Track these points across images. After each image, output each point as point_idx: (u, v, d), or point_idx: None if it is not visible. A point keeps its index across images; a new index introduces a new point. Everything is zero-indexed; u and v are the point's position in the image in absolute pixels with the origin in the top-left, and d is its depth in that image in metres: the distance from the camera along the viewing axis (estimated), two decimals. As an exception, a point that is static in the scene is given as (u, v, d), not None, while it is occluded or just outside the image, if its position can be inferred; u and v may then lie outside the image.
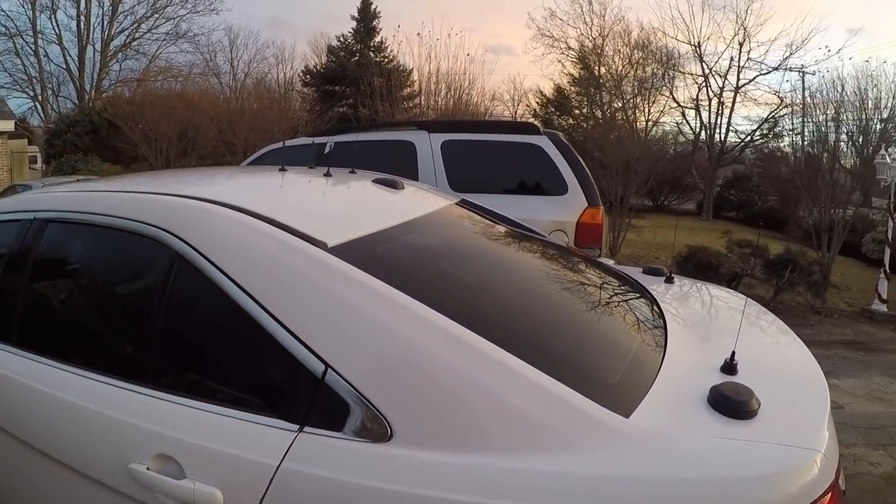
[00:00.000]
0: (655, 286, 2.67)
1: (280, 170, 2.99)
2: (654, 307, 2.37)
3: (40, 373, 2.11)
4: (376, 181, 2.74)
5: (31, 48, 31.47)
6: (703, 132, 23.84)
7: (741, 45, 23.05)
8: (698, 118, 23.90)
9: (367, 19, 28.24)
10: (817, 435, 1.51)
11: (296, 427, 1.57)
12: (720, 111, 23.53)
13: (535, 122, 25.29)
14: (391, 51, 26.84)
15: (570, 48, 26.16)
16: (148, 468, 1.69)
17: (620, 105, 23.39)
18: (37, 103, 32.46)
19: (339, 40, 28.61)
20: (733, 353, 1.76)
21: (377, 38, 28.25)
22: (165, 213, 2.03)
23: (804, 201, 12.03)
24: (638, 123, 23.10)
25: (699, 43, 23.43)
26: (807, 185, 11.46)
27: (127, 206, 2.18)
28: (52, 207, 2.45)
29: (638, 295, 2.53)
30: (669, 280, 2.79)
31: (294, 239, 1.81)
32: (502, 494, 1.37)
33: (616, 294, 2.61)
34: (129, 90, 29.62)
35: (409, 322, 1.61)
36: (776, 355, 2.13)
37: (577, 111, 25.50)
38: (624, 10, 31.13)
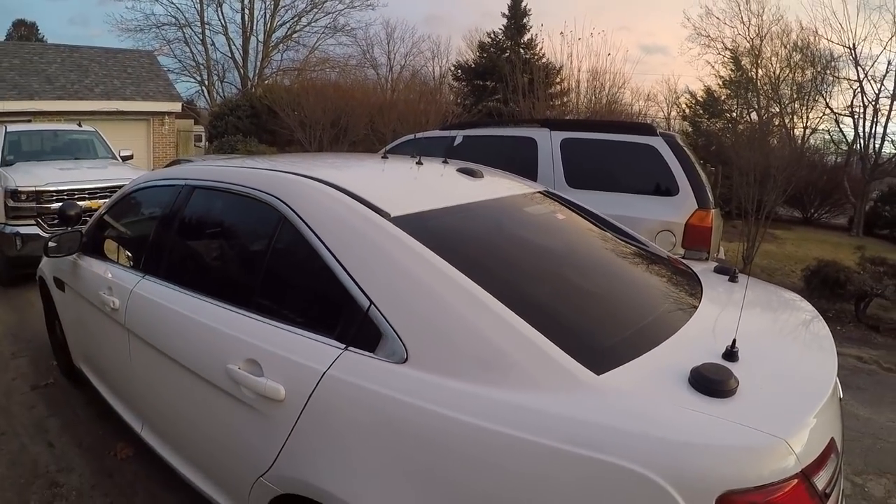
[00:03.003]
0: (714, 282, 2.82)
1: (382, 157, 3.54)
2: (695, 297, 2.54)
3: (175, 297, 2.90)
4: (459, 170, 3.16)
5: (198, 38, 34.27)
6: (857, 142, 22.13)
7: (899, 47, 20.73)
8: (853, 126, 22.12)
9: (517, 17, 28.37)
10: (788, 424, 1.58)
11: (343, 346, 2.10)
12: (875, 120, 21.38)
13: (681, 125, 24.75)
14: (540, 49, 26.97)
15: (726, 48, 25.22)
16: (239, 368, 2.31)
17: (777, 110, 22.31)
18: (203, 88, 35.32)
19: (489, 37, 28.94)
20: (734, 340, 1.88)
21: (527, 36, 28.34)
22: (276, 184, 2.65)
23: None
24: (796, 130, 22.05)
25: (854, 45, 21.32)
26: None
27: (250, 177, 2.86)
28: (198, 177, 3.25)
29: (684, 285, 2.72)
30: (734, 279, 2.89)
31: (364, 208, 2.32)
32: (476, 414, 1.73)
33: (656, 281, 2.86)
34: (288, 79, 31.20)
35: (436, 277, 2.04)
36: (795, 354, 2.20)
37: (727, 114, 24.48)
38: (782, 9, 29.29)
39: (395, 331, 1.98)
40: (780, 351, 2.18)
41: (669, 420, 1.58)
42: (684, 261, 3.33)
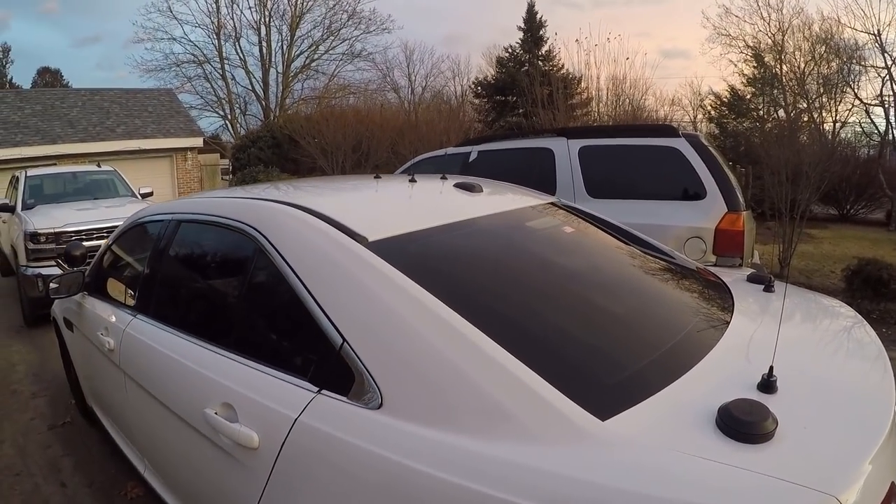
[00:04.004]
0: (747, 294, 2.53)
1: (375, 177, 3.39)
2: (726, 314, 2.25)
3: (161, 337, 2.76)
4: (456, 185, 2.96)
5: (218, 73, 34.76)
6: (889, 132, 21.43)
7: (926, 29, 20.40)
8: (885, 116, 21.46)
9: (533, 29, 28.13)
10: (839, 475, 1.30)
11: (316, 389, 1.88)
12: None
13: (707, 127, 24.44)
14: (558, 59, 26.80)
15: (748, 46, 24.84)
16: (216, 413, 2.13)
17: (805, 105, 21.88)
18: (227, 122, 35.62)
19: (507, 51, 28.73)
20: (771, 367, 1.59)
21: (544, 48, 28.08)
22: (250, 213, 2.50)
23: None
24: (825, 124, 21.60)
25: (879, 31, 20.80)
26: None
27: (227, 207, 2.70)
28: (183, 210, 3.14)
29: (713, 300, 2.44)
30: (769, 288, 2.59)
31: (338, 233, 2.11)
32: (457, 471, 1.47)
33: (679, 297, 2.58)
34: (310, 107, 31.42)
35: (413, 310, 1.80)
36: (845, 379, 1.86)
37: (754, 113, 24.06)
38: (802, 1, 28.77)
39: (368, 372, 1.76)
40: (827, 376, 1.87)
41: (689, 477, 1.31)
42: (716, 269, 3.08)
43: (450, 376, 1.64)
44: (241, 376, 2.16)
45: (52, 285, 3.91)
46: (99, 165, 11.81)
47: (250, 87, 35.28)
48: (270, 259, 2.22)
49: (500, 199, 3.09)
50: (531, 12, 28.37)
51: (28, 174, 10.52)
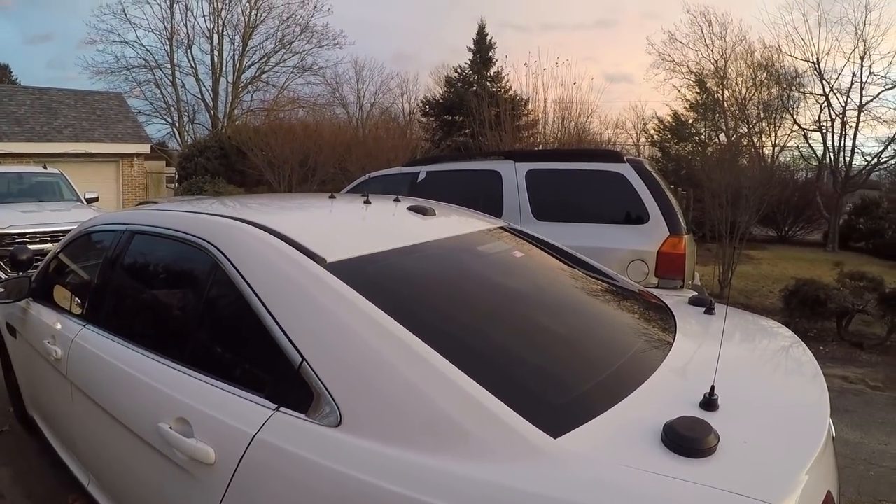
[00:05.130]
0: (689, 316, 2.64)
1: (329, 196, 3.40)
2: (669, 336, 2.36)
3: (112, 349, 2.73)
4: (410, 208, 3.02)
5: (169, 79, 34.28)
6: (826, 156, 22.19)
7: (862, 58, 20.94)
8: (822, 141, 22.27)
9: (482, 50, 28.40)
10: (779, 485, 1.39)
11: (274, 406, 1.89)
12: (843, 132, 21.55)
13: (650, 151, 24.93)
14: (507, 81, 27.08)
15: (691, 72, 25.44)
16: (171, 427, 2.11)
17: (746, 130, 22.50)
18: (174, 129, 35.11)
19: (456, 71, 28.94)
20: (713, 387, 1.69)
21: (493, 69, 28.35)
22: (209, 229, 2.52)
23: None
24: (765, 149, 22.23)
25: (818, 59, 21.75)
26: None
27: (185, 222, 2.72)
28: (137, 221, 3.14)
29: (656, 322, 2.55)
30: (710, 310, 2.71)
31: (298, 254, 2.16)
32: (417, 489, 1.50)
33: (624, 320, 2.68)
34: (258, 119, 31.15)
35: (371, 330, 1.85)
36: (783, 397, 1.98)
37: (696, 137, 24.65)
38: (745, 29, 29.56)
39: (328, 391, 1.79)
40: (766, 394, 1.98)
41: (637, 490, 1.39)
42: (658, 291, 3.17)
43: (408, 396, 1.69)
44: (197, 391, 2.16)
45: None
46: (45, 167, 11.65)
47: (200, 96, 34.86)
48: (229, 277, 2.24)
49: (452, 223, 3.15)
50: (482, 34, 28.61)
51: None
